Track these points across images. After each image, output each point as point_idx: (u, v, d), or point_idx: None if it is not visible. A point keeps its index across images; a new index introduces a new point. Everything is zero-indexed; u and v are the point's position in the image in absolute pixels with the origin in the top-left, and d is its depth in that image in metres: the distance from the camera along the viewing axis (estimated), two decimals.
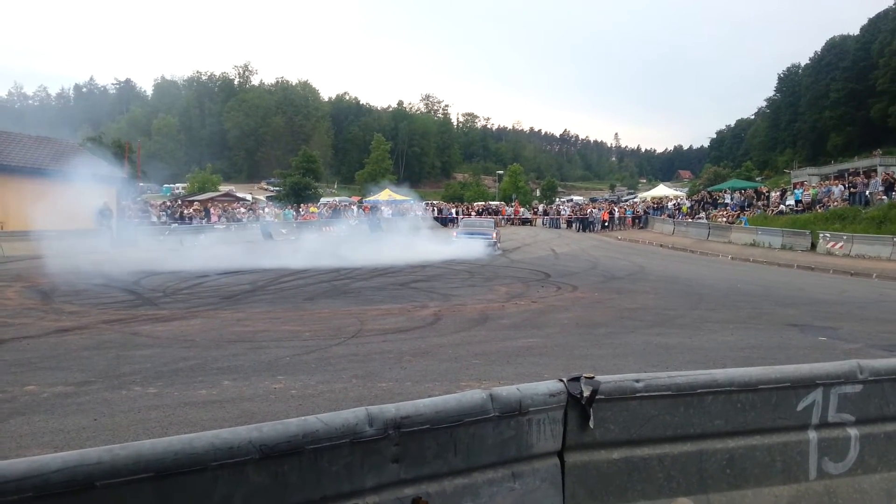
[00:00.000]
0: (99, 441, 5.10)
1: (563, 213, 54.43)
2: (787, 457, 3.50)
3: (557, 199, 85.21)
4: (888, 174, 33.81)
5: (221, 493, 2.24)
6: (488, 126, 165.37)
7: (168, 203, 43.12)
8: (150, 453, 2.13)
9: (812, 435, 3.56)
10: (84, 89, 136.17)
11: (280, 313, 11.97)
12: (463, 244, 25.37)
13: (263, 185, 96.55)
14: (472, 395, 2.91)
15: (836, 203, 31.95)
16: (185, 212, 38.75)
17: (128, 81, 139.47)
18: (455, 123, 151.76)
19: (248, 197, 59.40)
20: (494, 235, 27.47)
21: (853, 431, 3.62)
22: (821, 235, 27.34)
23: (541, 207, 62.11)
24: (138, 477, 2.09)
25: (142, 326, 10.44)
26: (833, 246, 26.22)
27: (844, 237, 26.21)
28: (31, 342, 9.09)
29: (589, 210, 50.83)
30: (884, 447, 3.67)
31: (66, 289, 14.78)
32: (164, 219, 35.22)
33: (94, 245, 25.17)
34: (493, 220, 34.88)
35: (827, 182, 40.97)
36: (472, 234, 27.10)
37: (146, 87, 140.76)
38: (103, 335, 9.70)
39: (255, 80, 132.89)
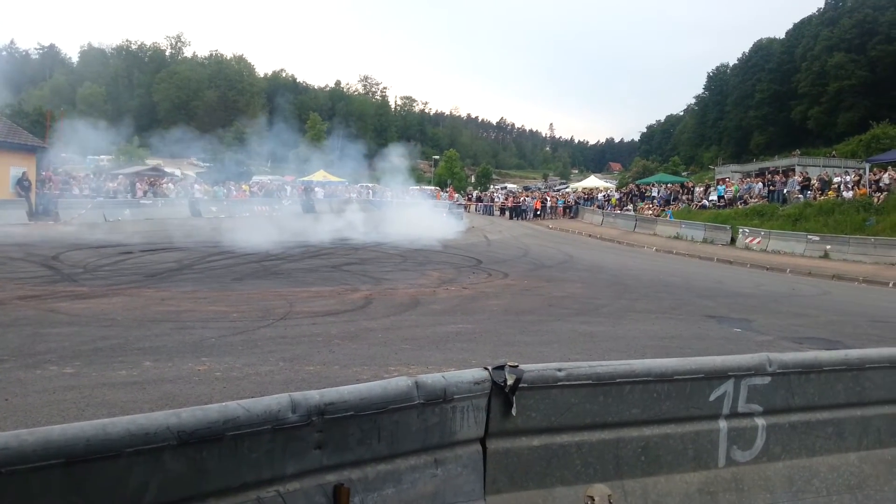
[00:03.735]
0: (10, 423, 4.90)
1: (496, 200, 54.88)
2: (698, 445, 3.64)
3: (491, 187, 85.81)
4: (804, 174, 35.40)
5: (136, 481, 2.18)
6: (426, 110, 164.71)
7: (91, 175, 41.32)
8: (61, 439, 2.05)
9: (722, 424, 3.71)
10: (4, 53, 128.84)
11: (207, 293, 11.73)
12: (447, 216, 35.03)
13: (193, 160, 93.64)
14: (397, 383, 2.92)
15: (755, 200, 33.27)
16: (110, 185, 37.27)
17: (52, 47, 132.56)
18: (393, 106, 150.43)
19: (177, 172, 57.45)
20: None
21: (760, 421, 3.79)
22: (740, 230, 28.45)
23: (475, 194, 62.43)
24: (48, 463, 2.02)
25: (60, 303, 10.06)
26: (751, 241, 27.34)
27: (762, 233, 27.36)
28: None
29: (522, 198, 51.40)
30: (788, 436, 3.86)
31: None
32: (86, 192, 33.77)
33: (11, 217, 24.07)
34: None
35: (748, 179, 42.53)
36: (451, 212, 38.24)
37: (71, 53, 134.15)
38: (18, 311, 9.31)
39: (187, 52, 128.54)
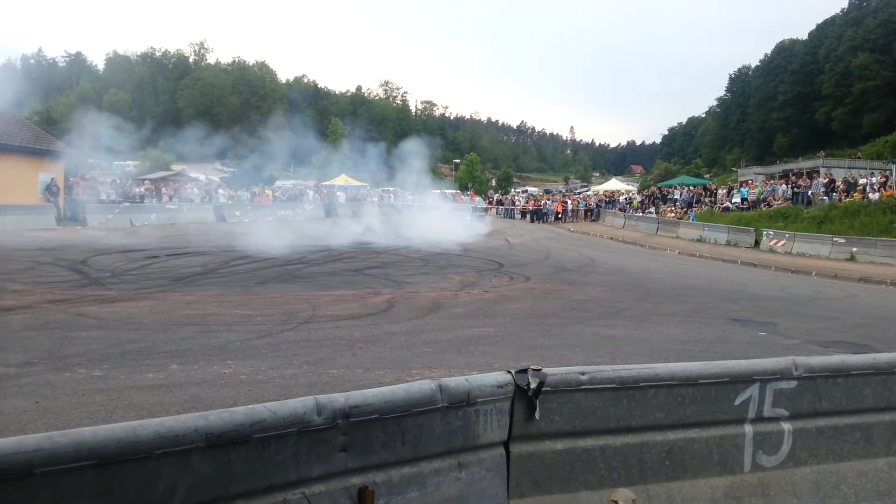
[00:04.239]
0: (41, 425, 4.99)
1: (517, 203, 54.81)
2: (723, 449, 3.62)
3: (512, 190, 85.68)
4: (829, 176, 34.91)
5: (165, 482, 2.22)
6: (446, 115, 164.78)
7: (118, 180, 41.91)
8: (92, 440, 2.10)
9: (748, 429, 3.68)
10: (32, 61, 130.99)
11: (231, 297, 11.83)
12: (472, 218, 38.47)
13: (218, 165, 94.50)
14: (420, 386, 2.93)
15: (779, 202, 32.86)
16: (136, 190, 37.78)
17: (78, 55, 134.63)
18: (413, 111, 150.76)
19: (202, 177, 58.09)
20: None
21: (786, 426, 3.76)
22: (764, 233, 28.10)
23: (496, 197, 62.38)
24: (80, 464, 2.06)
25: (88, 307, 10.21)
26: (775, 244, 26.99)
27: (786, 235, 27.00)
28: None
29: (543, 201, 51.27)
30: (814, 441, 3.82)
31: (10, 266, 14.34)
32: (113, 197, 34.27)
33: (39, 222, 24.49)
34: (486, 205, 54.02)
35: (772, 181, 42.03)
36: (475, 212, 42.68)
37: (97, 61, 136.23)
38: (48, 315, 9.46)
39: (210, 59, 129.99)
